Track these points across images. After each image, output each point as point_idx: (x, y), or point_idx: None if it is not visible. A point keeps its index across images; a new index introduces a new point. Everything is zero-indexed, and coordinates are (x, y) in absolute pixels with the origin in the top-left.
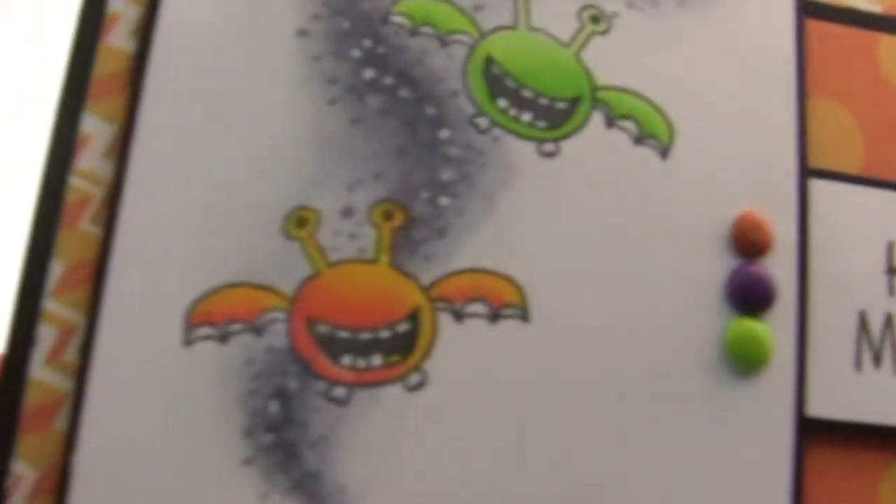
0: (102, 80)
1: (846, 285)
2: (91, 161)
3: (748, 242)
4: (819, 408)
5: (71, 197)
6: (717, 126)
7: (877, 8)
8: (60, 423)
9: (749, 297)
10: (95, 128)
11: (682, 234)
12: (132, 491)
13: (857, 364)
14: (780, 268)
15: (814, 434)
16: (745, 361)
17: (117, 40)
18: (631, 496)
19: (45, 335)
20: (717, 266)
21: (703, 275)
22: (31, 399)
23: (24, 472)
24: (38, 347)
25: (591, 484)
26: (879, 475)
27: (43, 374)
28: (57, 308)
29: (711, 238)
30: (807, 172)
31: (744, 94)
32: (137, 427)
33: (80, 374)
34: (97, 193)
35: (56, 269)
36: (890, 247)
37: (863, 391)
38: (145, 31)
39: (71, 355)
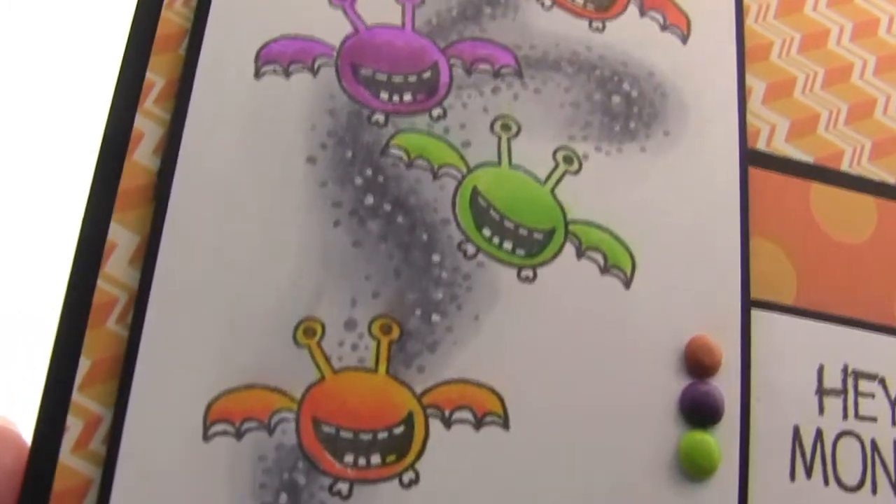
0: (128, 193)
1: (783, 403)
2: (117, 267)
3: (699, 364)
4: None
5: (98, 299)
6: (673, 259)
7: (809, 158)
8: None
9: (699, 412)
10: (121, 237)
11: (641, 355)
12: None
13: (792, 474)
14: (726, 386)
15: None
16: (695, 470)
17: (142, 157)
18: None
19: (72, 425)
20: (672, 384)
21: (659, 391)
22: (59, 483)
23: None
24: (65, 436)
25: None
26: None
27: (69, 461)
28: (83, 401)
29: (667, 359)
30: (749, 303)
31: (696, 231)
32: None
33: (106, 462)
34: (122, 297)
35: (83, 365)
36: (821, 369)
37: (796, 499)
38: (168, 151)
39: (96, 445)
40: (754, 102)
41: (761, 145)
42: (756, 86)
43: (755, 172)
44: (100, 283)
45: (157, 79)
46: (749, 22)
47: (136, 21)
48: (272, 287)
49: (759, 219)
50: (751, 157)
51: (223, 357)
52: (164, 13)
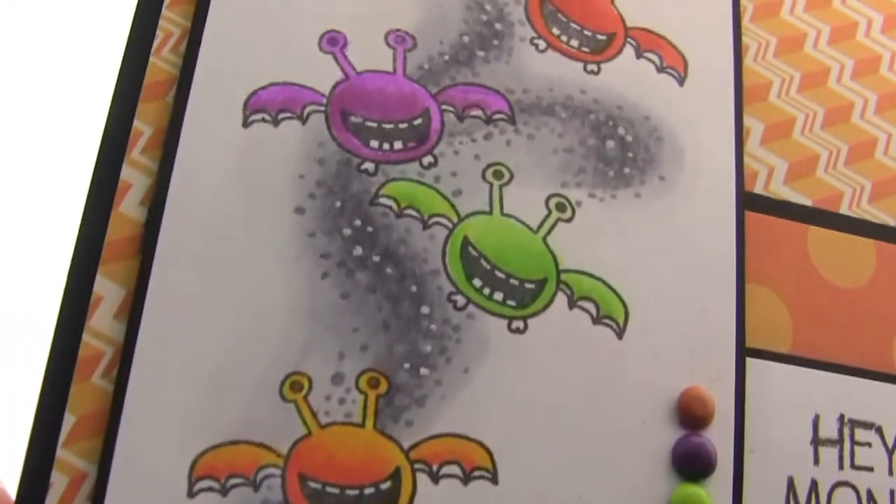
0: (114, 245)
1: (777, 454)
2: (103, 321)
3: (691, 415)
4: None
5: (84, 353)
6: (667, 308)
7: (807, 201)
8: None
9: (692, 465)
10: (107, 290)
11: (633, 407)
12: None
13: None
14: (719, 438)
15: None
16: None
17: (128, 208)
18: None
19: (57, 481)
20: (664, 436)
21: (652, 444)
22: None
23: None
24: (49, 493)
25: None
26: None
27: None
28: (68, 457)
29: (659, 410)
30: (744, 351)
31: (690, 279)
32: None
33: None
34: (108, 351)
35: (68, 421)
36: (816, 419)
37: None
38: (155, 203)
39: (81, 501)
40: (752, 144)
41: (758, 188)
42: (754, 127)
43: (752, 216)
44: (85, 336)
45: (144, 127)
46: (748, 61)
47: (123, 68)
48: (259, 341)
49: (756, 264)
50: (747, 201)
51: (209, 412)
52: (152, 60)
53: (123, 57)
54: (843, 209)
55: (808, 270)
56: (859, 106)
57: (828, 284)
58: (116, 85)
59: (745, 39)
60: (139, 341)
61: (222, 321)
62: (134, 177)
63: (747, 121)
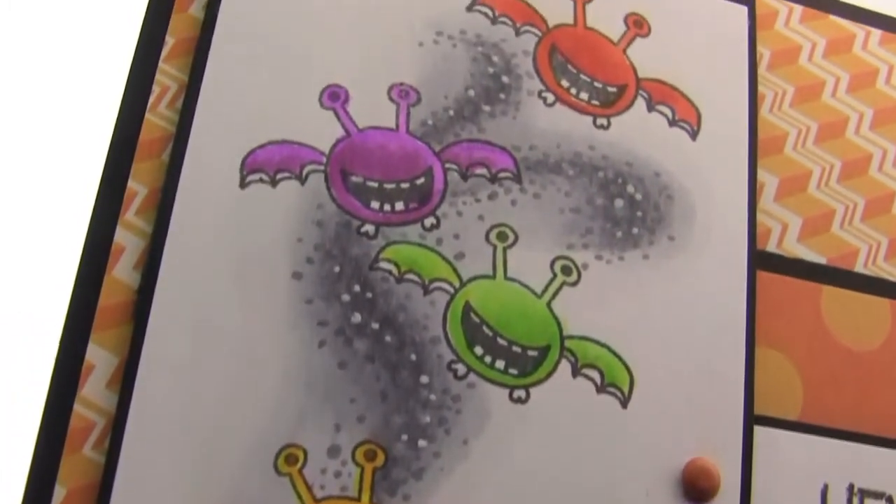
0: (107, 311)
1: None
2: (94, 390)
3: (696, 489)
4: None
5: (75, 424)
6: (673, 375)
7: (822, 259)
8: None
9: None
10: (99, 358)
11: (637, 479)
12: None
13: None
14: None
15: None
16: None
17: (121, 272)
18: None
19: None
20: None
21: None
22: None
23: None
24: None
25: None
26: None
27: None
28: None
29: (664, 482)
30: (752, 420)
31: (698, 343)
32: None
33: None
34: (99, 422)
35: (59, 494)
36: (825, 489)
37: None
38: (148, 267)
39: None
40: (766, 199)
41: (771, 246)
42: (768, 181)
43: (763, 276)
44: (77, 406)
45: (139, 188)
46: (763, 112)
47: (118, 125)
48: (253, 412)
49: (767, 326)
50: (760, 260)
51: (202, 486)
52: (148, 116)
53: (119, 113)
54: (859, 267)
55: (821, 332)
56: (878, 157)
57: (841, 347)
58: (111, 144)
59: (761, 89)
60: (131, 411)
61: (216, 391)
62: (128, 239)
63: (761, 175)
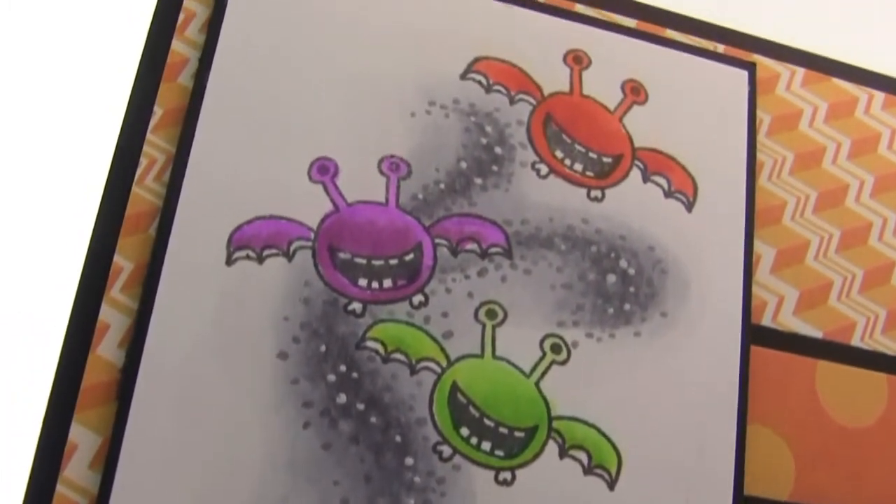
0: (91, 391)
1: None
2: (77, 471)
3: None
4: None
5: None
6: (662, 456)
7: (818, 332)
8: None
9: None
10: (82, 438)
11: None
12: None
13: None
14: None
15: None
16: None
17: (106, 351)
18: None
19: None
20: None
21: None
22: None
23: None
24: None
25: None
26: None
27: None
28: None
29: None
30: (742, 500)
31: (688, 423)
32: None
33: None
34: (82, 503)
35: None
36: None
37: None
38: (133, 346)
39: None
40: (762, 272)
41: (766, 320)
42: (765, 252)
43: (758, 351)
44: (59, 488)
45: (125, 263)
46: (762, 181)
47: (105, 200)
48: (237, 494)
49: (759, 403)
50: (754, 335)
51: None
52: (135, 189)
53: (106, 184)
54: (856, 340)
55: (815, 409)
56: (878, 226)
57: (834, 424)
58: (97, 218)
59: (760, 156)
60: (114, 493)
61: (199, 472)
62: (113, 317)
63: (758, 246)
